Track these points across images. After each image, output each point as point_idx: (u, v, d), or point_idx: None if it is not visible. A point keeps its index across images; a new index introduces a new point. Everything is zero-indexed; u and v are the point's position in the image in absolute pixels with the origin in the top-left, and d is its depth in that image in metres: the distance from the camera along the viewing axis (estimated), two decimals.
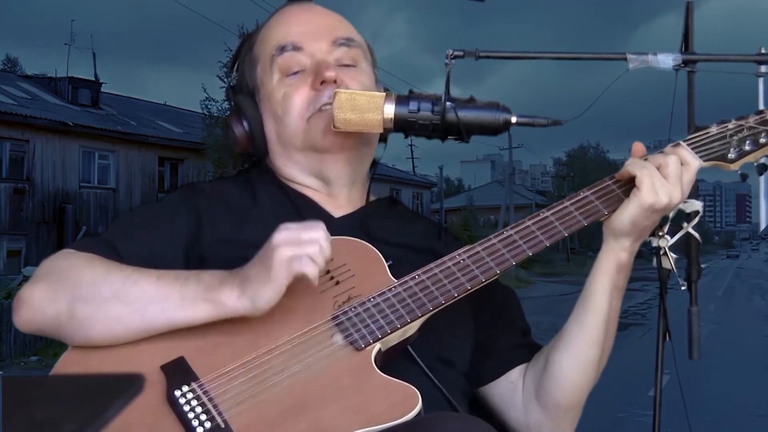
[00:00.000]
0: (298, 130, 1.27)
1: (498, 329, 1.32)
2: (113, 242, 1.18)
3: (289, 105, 1.27)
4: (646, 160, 1.16)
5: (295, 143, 1.29)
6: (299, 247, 1.02)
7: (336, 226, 1.25)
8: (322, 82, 1.25)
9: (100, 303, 1.06)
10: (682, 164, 1.15)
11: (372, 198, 1.37)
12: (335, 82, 1.25)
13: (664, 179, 1.13)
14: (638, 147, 1.20)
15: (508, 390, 1.29)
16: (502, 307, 1.35)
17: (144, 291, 1.06)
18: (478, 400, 1.32)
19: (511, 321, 1.35)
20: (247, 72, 1.35)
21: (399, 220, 1.36)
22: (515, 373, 1.30)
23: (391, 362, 1.10)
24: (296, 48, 1.29)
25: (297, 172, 1.32)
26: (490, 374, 1.30)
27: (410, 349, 1.14)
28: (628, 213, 1.14)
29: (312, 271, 1.02)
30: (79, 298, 1.07)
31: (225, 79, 20.18)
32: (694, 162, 1.16)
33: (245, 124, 1.31)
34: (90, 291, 1.07)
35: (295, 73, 1.29)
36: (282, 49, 1.29)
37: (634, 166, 1.14)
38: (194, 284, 1.06)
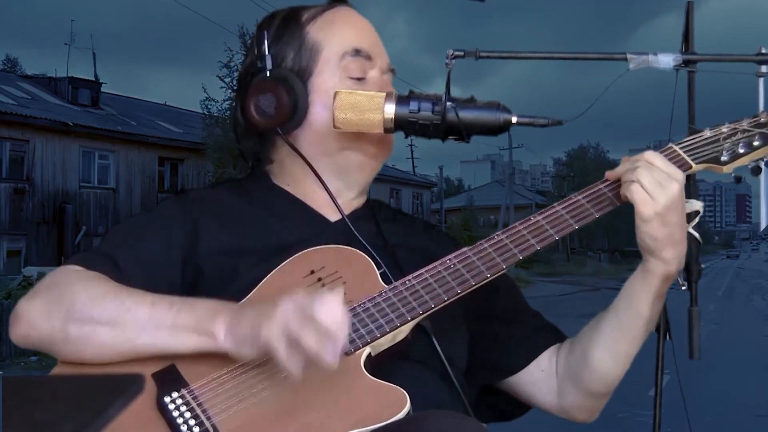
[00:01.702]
0: (351, 133, 1.25)
1: (515, 319, 1.35)
2: (113, 256, 1.18)
3: None
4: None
5: (342, 141, 1.27)
6: (291, 326, 0.96)
7: (332, 230, 1.26)
8: None
9: (93, 327, 1.07)
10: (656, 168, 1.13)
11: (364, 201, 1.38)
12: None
13: (654, 178, 1.11)
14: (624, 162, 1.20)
15: (540, 376, 1.32)
16: (512, 297, 1.38)
17: (137, 318, 1.06)
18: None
19: (524, 308, 1.38)
20: (299, 54, 1.30)
21: (392, 222, 1.37)
22: (545, 360, 1.32)
23: (397, 364, 1.11)
24: (368, 57, 1.29)
25: (324, 165, 1.29)
26: (518, 363, 1.33)
27: (436, 345, 1.16)
28: (641, 231, 1.13)
29: (283, 360, 0.96)
30: (73, 320, 1.08)
31: (225, 80, 20.19)
32: (677, 174, 1.13)
33: (292, 99, 1.26)
34: (84, 314, 1.08)
35: (357, 79, 1.28)
36: (358, 52, 1.29)
37: (623, 186, 1.14)
38: (187, 314, 1.06)
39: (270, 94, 1.26)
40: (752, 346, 12.82)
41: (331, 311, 0.96)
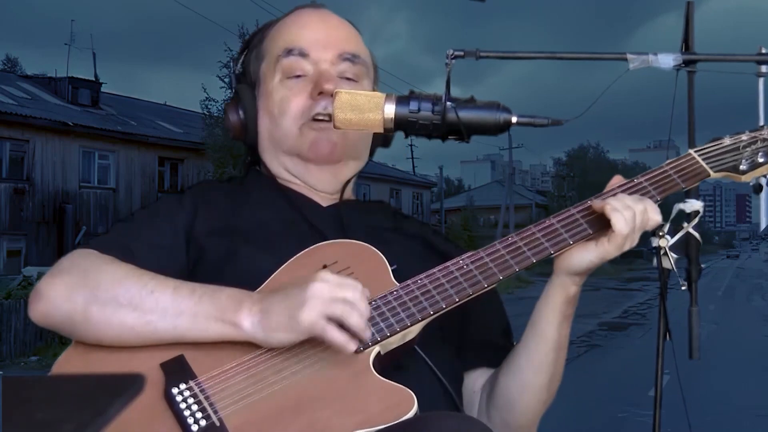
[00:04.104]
0: (289, 134, 1.30)
1: (476, 321, 1.31)
2: (125, 242, 1.19)
3: (285, 108, 1.30)
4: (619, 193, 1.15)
5: (283, 146, 1.32)
6: (332, 307, 1.00)
7: (325, 215, 1.29)
8: (320, 93, 1.28)
9: (115, 309, 1.07)
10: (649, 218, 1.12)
11: (353, 197, 1.41)
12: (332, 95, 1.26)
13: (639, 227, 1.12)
14: (616, 180, 1.20)
15: (470, 398, 1.29)
16: (488, 300, 1.32)
17: (158, 303, 1.07)
18: None
19: (492, 317, 1.35)
20: (252, 64, 1.37)
21: (384, 210, 1.40)
22: (479, 383, 1.30)
23: (405, 365, 1.11)
24: (302, 54, 1.31)
25: (283, 171, 1.35)
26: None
27: (417, 348, 1.14)
28: (588, 259, 1.15)
29: (338, 339, 1.01)
30: (95, 301, 1.08)
31: (225, 80, 20.20)
32: (657, 218, 1.14)
33: (240, 113, 1.34)
34: (107, 295, 1.08)
35: (297, 76, 1.31)
36: (289, 51, 1.31)
37: (619, 221, 1.10)
38: (208, 302, 1.06)
39: (227, 114, 1.34)
40: (752, 346, 12.81)
41: (351, 287, 1.02)
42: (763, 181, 1.23)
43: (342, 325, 1.01)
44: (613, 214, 1.10)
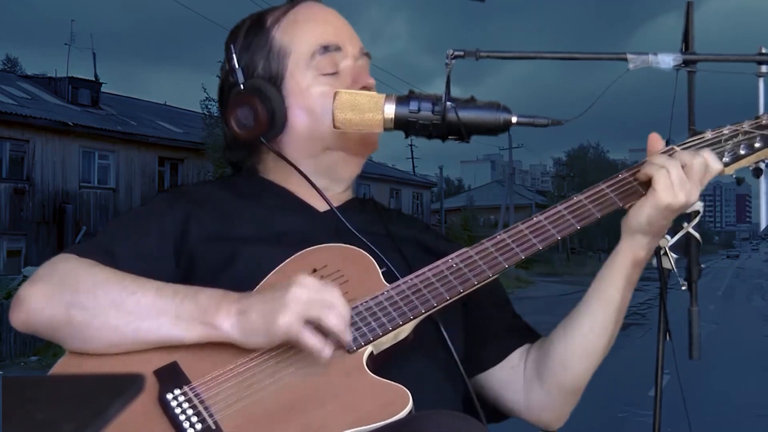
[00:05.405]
0: (334, 130, 1.26)
1: (491, 315, 1.34)
2: (109, 247, 1.19)
3: (329, 104, 1.25)
4: (671, 155, 1.16)
5: (325, 142, 1.29)
6: (309, 310, 1.01)
7: (320, 220, 1.28)
8: (362, 88, 1.27)
9: (97, 311, 1.07)
10: (706, 167, 1.15)
11: (351, 196, 1.40)
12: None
13: (685, 178, 1.13)
14: (655, 140, 1.21)
15: (509, 374, 1.32)
16: (492, 292, 1.36)
17: (140, 303, 1.07)
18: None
19: (501, 306, 1.38)
20: (270, 60, 1.30)
21: (380, 214, 1.39)
22: (515, 357, 1.32)
23: (400, 362, 1.11)
24: (337, 49, 1.30)
25: (309, 166, 1.30)
26: (491, 360, 1.32)
27: (445, 336, 1.17)
28: (644, 212, 1.15)
29: (312, 342, 1.01)
30: (76, 304, 1.08)
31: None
32: (717, 166, 1.16)
33: (269, 109, 1.27)
34: (88, 297, 1.08)
35: (332, 74, 1.30)
36: (326, 48, 1.30)
37: (651, 167, 1.14)
38: (190, 303, 1.06)
39: (246, 107, 1.27)
40: (752, 346, 12.82)
41: (337, 299, 1.03)
42: (744, 173, 1.24)
43: (321, 330, 1.01)
44: (648, 167, 1.15)
